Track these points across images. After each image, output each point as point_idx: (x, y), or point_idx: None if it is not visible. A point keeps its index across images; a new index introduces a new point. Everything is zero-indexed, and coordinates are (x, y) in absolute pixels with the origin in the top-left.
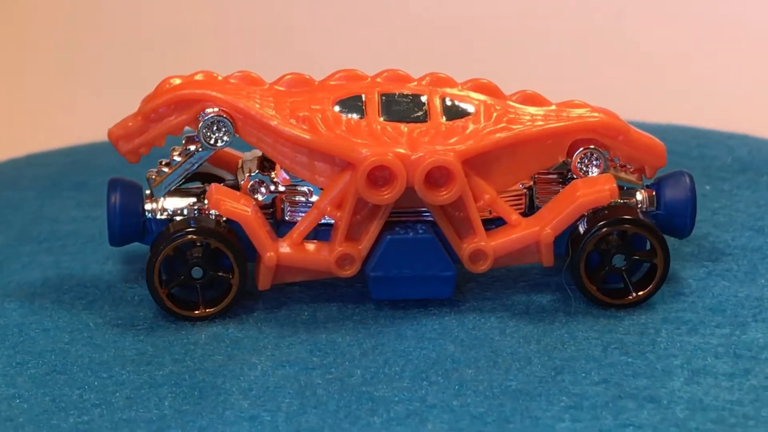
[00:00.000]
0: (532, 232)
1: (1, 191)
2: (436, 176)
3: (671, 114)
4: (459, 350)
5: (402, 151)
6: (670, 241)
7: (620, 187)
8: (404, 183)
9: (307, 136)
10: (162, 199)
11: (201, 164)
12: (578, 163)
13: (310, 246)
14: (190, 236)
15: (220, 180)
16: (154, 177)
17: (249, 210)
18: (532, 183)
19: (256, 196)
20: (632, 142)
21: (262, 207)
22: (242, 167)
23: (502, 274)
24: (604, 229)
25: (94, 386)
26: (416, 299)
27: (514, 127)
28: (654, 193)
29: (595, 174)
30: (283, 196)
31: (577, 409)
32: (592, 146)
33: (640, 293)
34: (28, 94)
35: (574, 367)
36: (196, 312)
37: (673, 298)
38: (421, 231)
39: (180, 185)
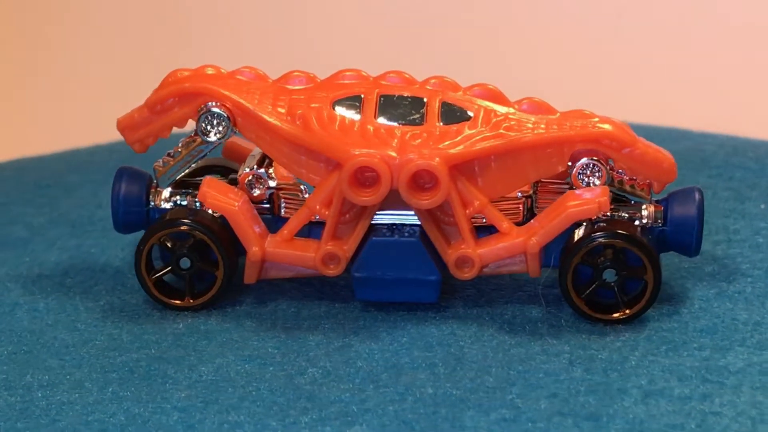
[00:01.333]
0: (519, 242)
1: (65, 176)
2: (423, 180)
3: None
4: (423, 355)
5: (389, 153)
6: (695, 259)
7: (624, 201)
8: (388, 185)
9: (300, 134)
10: (165, 189)
11: (202, 157)
12: (579, 174)
13: (298, 243)
14: (172, 227)
15: (235, 173)
16: (159, 168)
17: (236, 204)
18: (531, 191)
19: (252, 191)
20: (637, 156)
21: (261, 202)
22: (246, 162)
23: (505, 282)
24: (592, 243)
25: (50, 368)
26: (404, 302)
27: (511, 134)
28: (662, 209)
29: (596, 186)
30: (280, 193)
31: (511, 422)
32: (593, 157)
33: (628, 310)
34: (99, 86)
35: (528, 381)
36: (180, 302)
37: (668, 317)
38: (406, 234)
39: (184, 177)
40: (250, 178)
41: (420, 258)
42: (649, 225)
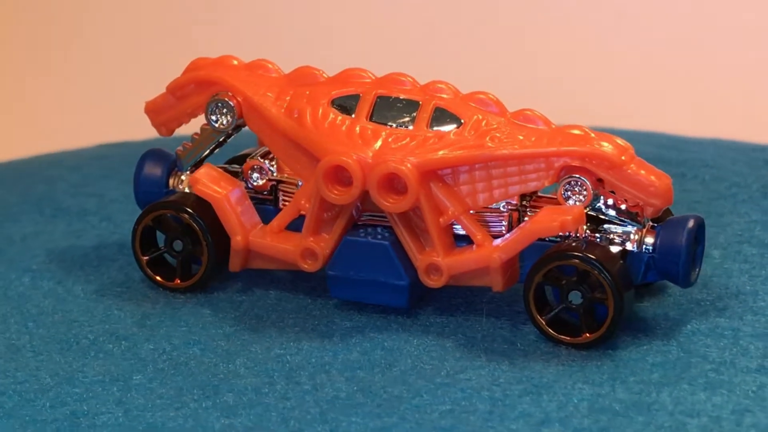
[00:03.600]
0: (485, 254)
1: (123, 167)
2: (399, 184)
3: None
4: (357, 359)
5: (365, 154)
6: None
7: (608, 221)
8: (360, 186)
9: (293, 129)
10: (185, 173)
11: (216, 144)
12: (564, 191)
13: (282, 236)
14: (162, 210)
15: None
16: (180, 152)
17: (222, 193)
18: (518, 204)
19: (253, 180)
20: (624, 177)
21: (265, 193)
22: (256, 152)
23: (506, 296)
24: (551, 263)
25: (8, 337)
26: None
27: (494, 145)
28: (653, 235)
29: (577, 204)
30: (279, 185)
31: (379, 430)
32: (577, 175)
33: (588, 334)
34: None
35: (435, 394)
36: (170, 283)
37: (639, 347)
38: (379, 236)
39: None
40: (253, 167)
41: (389, 261)
42: (638, 251)
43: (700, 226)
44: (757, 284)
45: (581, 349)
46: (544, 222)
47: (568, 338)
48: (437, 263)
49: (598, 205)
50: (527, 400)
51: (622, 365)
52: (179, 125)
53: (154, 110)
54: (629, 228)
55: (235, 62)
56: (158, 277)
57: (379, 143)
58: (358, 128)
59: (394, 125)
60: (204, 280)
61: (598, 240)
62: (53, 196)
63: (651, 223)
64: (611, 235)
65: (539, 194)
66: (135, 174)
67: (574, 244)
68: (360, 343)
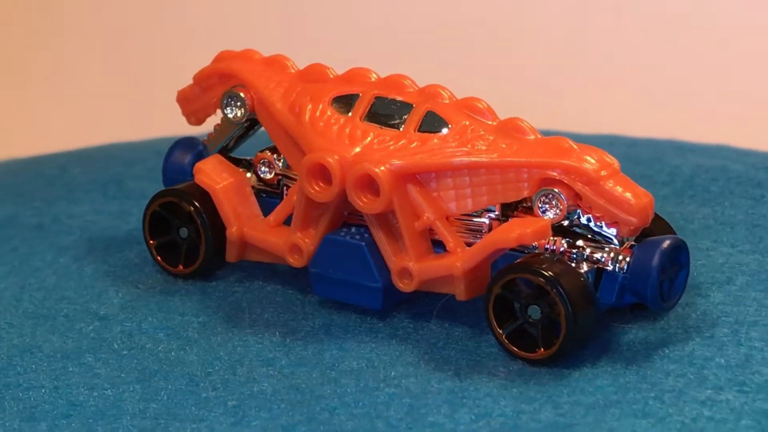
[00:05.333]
0: (450, 262)
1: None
2: (375, 185)
3: None
4: (313, 358)
5: (348, 154)
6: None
7: (585, 238)
8: (339, 185)
9: (291, 124)
10: None
11: (239, 135)
12: (539, 203)
13: (276, 230)
14: (168, 197)
15: None
16: (206, 142)
17: (220, 183)
18: (499, 213)
19: (261, 173)
20: (600, 193)
21: (272, 187)
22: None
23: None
24: (506, 276)
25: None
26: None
27: (475, 152)
28: (628, 254)
29: (550, 217)
30: (285, 180)
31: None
32: (549, 188)
33: (542, 350)
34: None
35: (357, 398)
36: (174, 269)
37: (595, 369)
38: (357, 237)
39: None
40: (262, 160)
41: (364, 262)
42: (613, 270)
43: (678, 249)
44: (762, 316)
45: (537, 365)
46: (503, 233)
47: (524, 353)
48: (409, 267)
49: (576, 220)
50: (445, 410)
51: (565, 385)
52: (207, 116)
53: (183, 100)
54: (605, 246)
55: (257, 56)
56: (164, 263)
57: (364, 144)
58: (349, 128)
59: (385, 126)
60: (204, 268)
61: (573, 256)
62: (122, 179)
63: (630, 243)
64: (587, 252)
65: (524, 205)
66: (164, 161)
67: (541, 257)
68: (319, 341)
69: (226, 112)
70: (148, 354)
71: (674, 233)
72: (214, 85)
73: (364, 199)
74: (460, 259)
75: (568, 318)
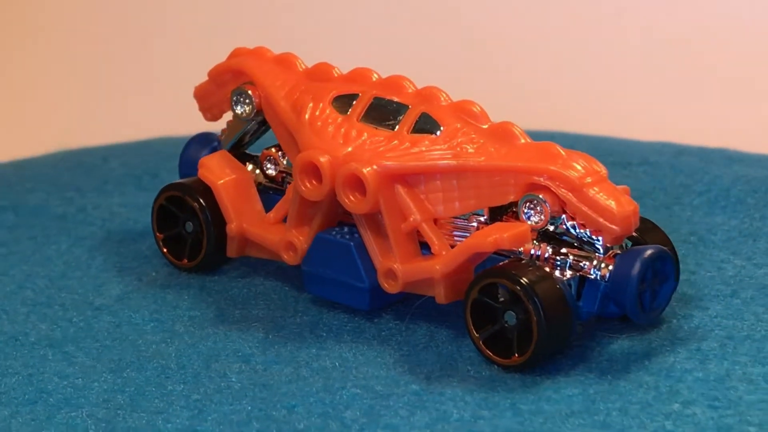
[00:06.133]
0: (430, 265)
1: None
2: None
3: None
4: (288, 356)
5: (340, 154)
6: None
7: (570, 245)
8: (329, 184)
9: (291, 122)
10: None
11: (244, 131)
12: (525, 208)
13: (274, 227)
14: (172, 191)
15: None
16: (221, 137)
17: (221, 179)
18: (488, 217)
19: (266, 170)
20: (583, 200)
21: (277, 184)
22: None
23: None
24: (481, 281)
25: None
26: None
27: (462, 155)
28: (612, 263)
29: (533, 222)
30: (287, 176)
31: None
32: (533, 194)
33: (516, 356)
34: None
35: (308, 402)
36: (179, 262)
37: (569, 377)
38: (347, 236)
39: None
40: (268, 157)
41: (351, 262)
42: (595, 278)
43: (662, 259)
44: (756, 331)
45: (511, 371)
46: (480, 237)
47: (498, 359)
48: (393, 269)
49: (561, 226)
50: (403, 412)
51: (533, 392)
52: (222, 112)
53: (200, 95)
54: (589, 254)
55: (268, 54)
56: (171, 256)
57: (357, 143)
58: (344, 127)
59: (379, 127)
60: (207, 262)
61: (557, 263)
62: (158, 172)
63: (615, 251)
64: (571, 259)
65: (514, 209)
66: (180, 155)
67: (521, 263)
68: (301, 339)
69: (235, 108)
70: (129, 345)
71: (670, 245)
72: (228, 82)
73: (352, 199)
74: (439, 262)
75: (540, 326)
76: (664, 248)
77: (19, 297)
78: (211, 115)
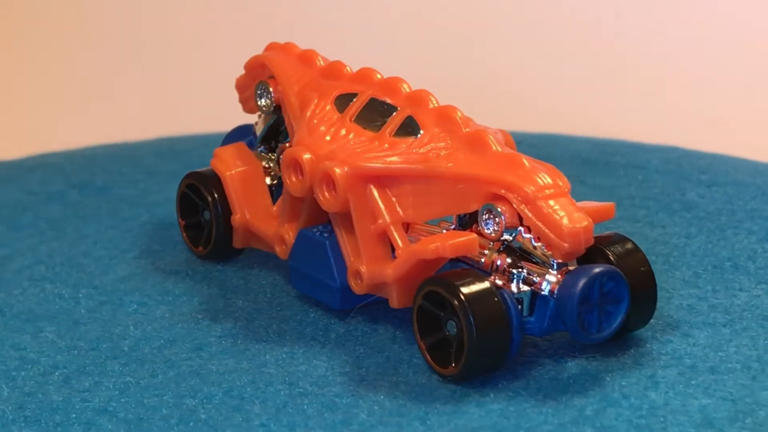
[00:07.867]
0: (386, 269)
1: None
2: None
3: None
4: (255, 352)
5: (321, 152)
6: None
7: (527, 258)
8: (308, 180)
9: (294, 118)
10: (257, 148)
11: (269, 124)
12: (484, 216)
13: (273, 221)
14: (191, 180)
15: None
16: (255, 128)
17: (230, 170)
18: (456, 225)
19: (280, 163)
20: (537, 213)
21: None
22: None
23: None
24: (426, 288)
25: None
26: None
27: (431, 160)
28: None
29: (488, 232)
30: None
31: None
32: (490, 204)
33: (452, 367)
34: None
35: (225, 395)
36: (195, 249)
37: (520, 395)
38: (325, 234)
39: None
40: (283, 150)
41: (325, 261)
42: (547, 294)
43: (613, 279)
44: (726, 363)
45: (448, 380)
46: (423, 244)
47: (437, 367)
48: (359, 270)
49: (519, 238)
50: (311, 411)
51: (455, 402)
52: (254, 103)
53: (238, 87)
54: (544, 269)
55: (295, 50)
56: (190, 242)
57: (341, 143)
58: (336, 126)
59: (367, 128)
60: (216, 251)
61: (513, 275)
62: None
63: (568, 268)
64: (524, 273)
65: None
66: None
67: (465, 274)
68: (263, 334)
69: (258, 101)
70: (98, 326)
71: (647, 267)
72: (258, 75)
73: (327, 196)
74: (390, 267)
75: (471, 339)
76: (615, 269)
77: (28, 272)
78: (248, 107)
